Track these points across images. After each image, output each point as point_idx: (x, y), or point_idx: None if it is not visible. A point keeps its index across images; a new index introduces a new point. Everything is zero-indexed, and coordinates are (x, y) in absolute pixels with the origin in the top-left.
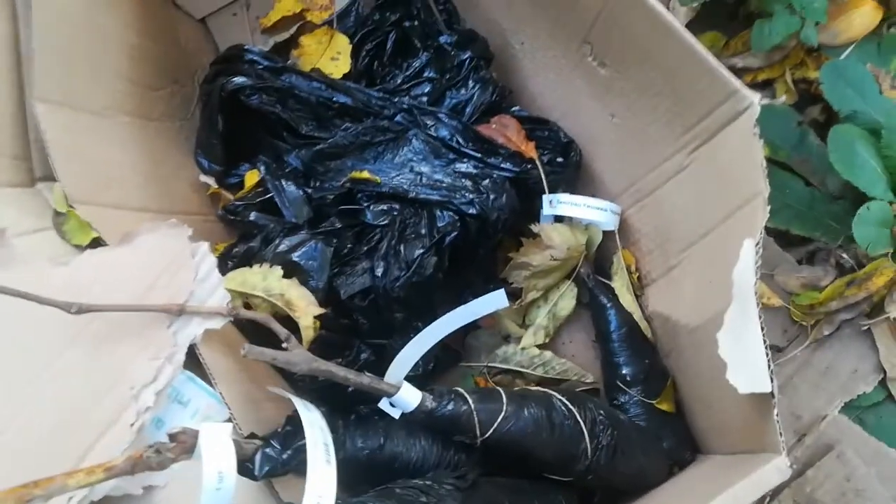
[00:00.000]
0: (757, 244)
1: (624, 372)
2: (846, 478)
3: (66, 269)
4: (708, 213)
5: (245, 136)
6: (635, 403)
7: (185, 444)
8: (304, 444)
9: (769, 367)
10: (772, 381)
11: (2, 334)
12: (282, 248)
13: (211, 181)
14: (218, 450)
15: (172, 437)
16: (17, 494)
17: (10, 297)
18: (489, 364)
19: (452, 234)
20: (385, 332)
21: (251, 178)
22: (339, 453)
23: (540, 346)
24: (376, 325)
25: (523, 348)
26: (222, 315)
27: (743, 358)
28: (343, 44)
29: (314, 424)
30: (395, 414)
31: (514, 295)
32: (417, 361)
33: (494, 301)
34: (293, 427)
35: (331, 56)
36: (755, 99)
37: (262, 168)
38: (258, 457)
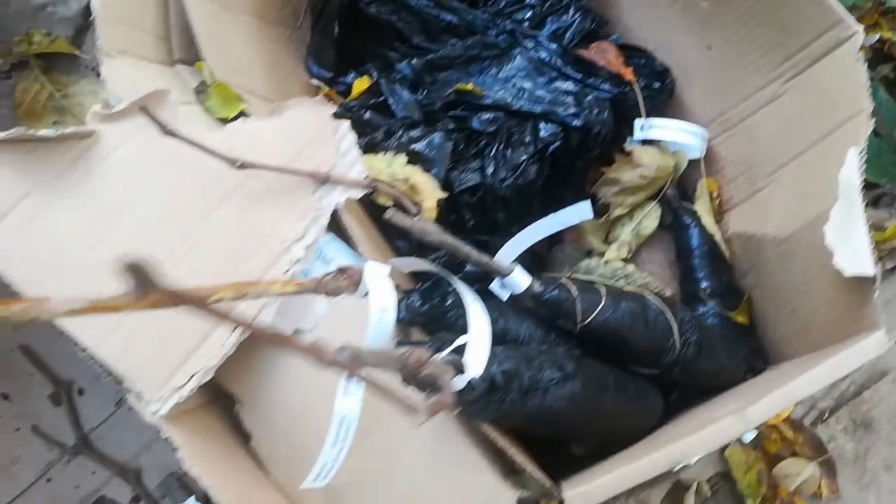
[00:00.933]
0: (861, 151)
1: (703, 286)
2: None
3: (222, 133)
4: (801, 136)
5: (354, 46)
6: (713, 315)
7: (353, 278)
8: (437, 304)
9: (872, 253)
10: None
11: (167, 184)
12: (405, 138)
13: (322, 84)
14: (380, 286)
15: (342, 270)
16: (235, 287)
17: (173, 152)
18: (572, 275)
19: (555, 145)
20: (486, 231)
21: (361, 84)
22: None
23: (622, 262)
24: (480, 223)
25: (606, 261)
26: (362, 186)
27: (849, 246)
28: None
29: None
30: (504, 295)
31: (599, 214)
32: None
33: (581, 211)
34: (431, 286)
35: None
36: (859, 28)
37: (374, 73)
38: (401, 304)
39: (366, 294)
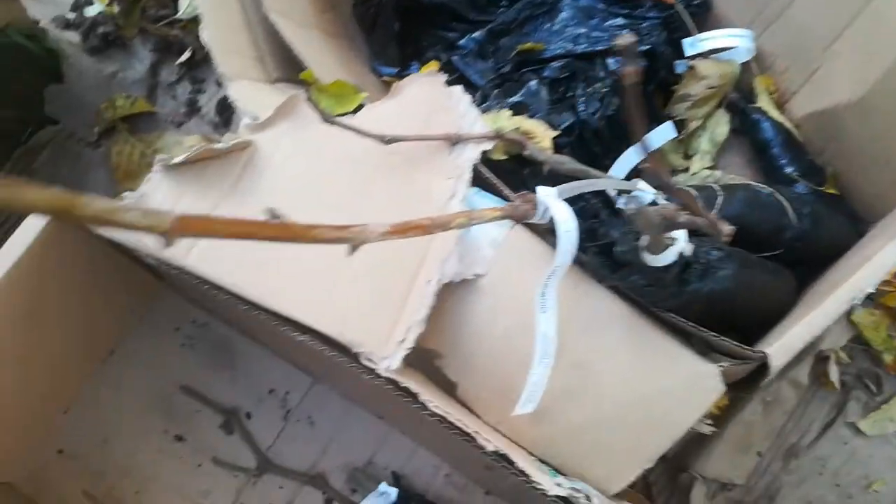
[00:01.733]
0: None
1: (789, 170)
2: None
3: (354, 120)
4: (846, 5)
5: (411, 39)
6: (808, 192)
7: (532, 202)
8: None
9: None
10: None
11: (326, 171)
12: (500, 95)
13: (392, 79)
14: (558, 205)
15: (522, 196)
16: (458, 216)
17: (321, 144)
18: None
19: None
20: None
21: (429, 68)
22: (602, 235)
23: (708, 169)
24: (580, 160)
25: (694, 173)
26: (489, 138)
27: None
28: None
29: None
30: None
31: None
32: None
33: (665, 131)
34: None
35: None
36: None
37: (442, 55)
38: None
39: (543, 215)
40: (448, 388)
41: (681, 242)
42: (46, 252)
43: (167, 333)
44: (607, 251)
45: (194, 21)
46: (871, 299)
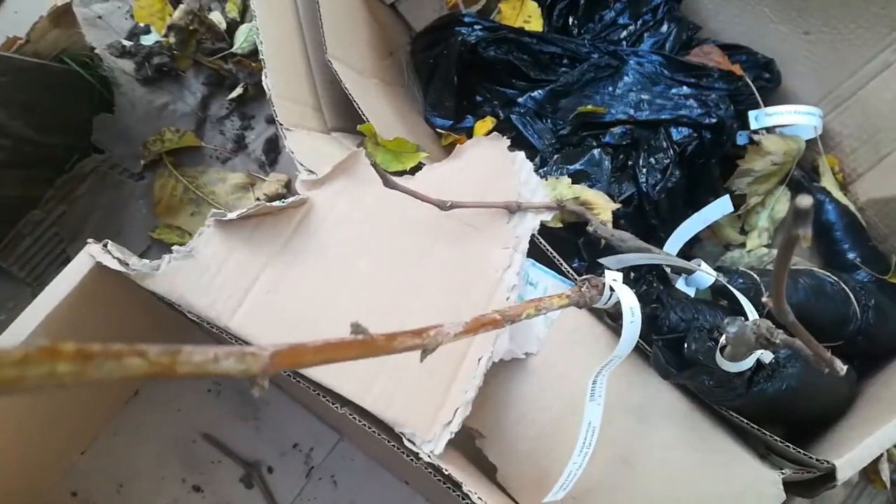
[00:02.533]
0: None
1: (851, 256)
2: None
3: (414, 182)
4: None
5: (468, 92)
6: (870, 280)
7: (598, 287)
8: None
9: None
10: None
11: (382, 236)
12: (561, 161)
13: (446, 132)
14: (623, 289)
15: (588, 280)
16: (528, 305)
17: (380, 206)
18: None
19: (692, 144)
20: (643, 238)
21: (483, 125)
22: (665, 323)
23: (765, 248)
24: (637, 232)
25: (750, 250)
26: (551, 208)
27: None
28: (533, 7)
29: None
30: (692, 292)
31: (735, 207)
32: None
33: (722, 206)
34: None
35: (523, 20)
36: None
37: (500, 112)
38: None
39: (608, 301)
40: (488, 470)
41: (761, 350)
42: (85, 296)
43: (194, 378)
44: (672, 347)
45: (249, 56)
46: None
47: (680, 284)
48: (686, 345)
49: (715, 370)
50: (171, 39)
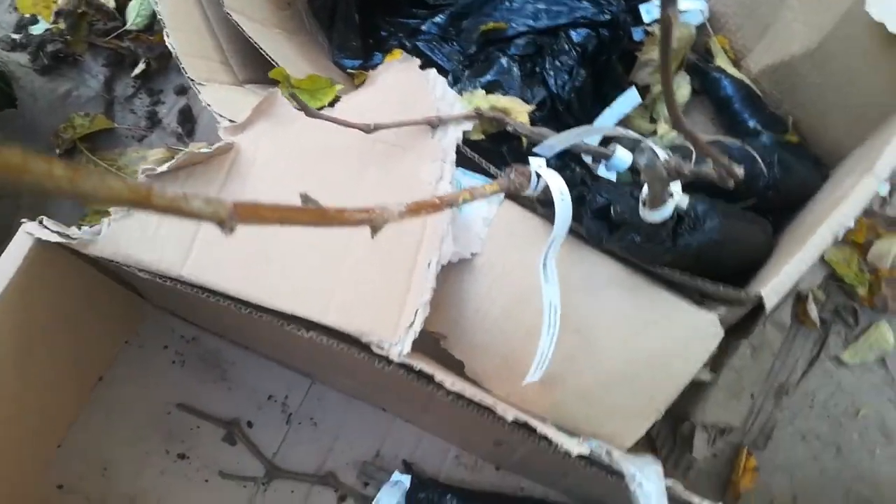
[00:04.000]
0: None
1: (751, 123)
2: None
3: (334, 111)
4: None
5: (371, 29)
6: (772, 142)
7: (525, 174)
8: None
9: None
10: None
11: (312, 168)
12: (472, 76)
13: (357, 71)
14: (550, 173)
15: (515, 169)
16: (427, 207)
17: (302, 141)
18: None
19: (592, 43)
20: None
21: (392, 57)
22: (592, 200)
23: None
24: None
25: (662, 136)
26: (470, 118)
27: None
28: None
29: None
30: (612, 176)
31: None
32: None
33: (630, 99)
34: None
35: None
36: None
37: (406, 42)
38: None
39: (536, 188)
40: (456, 368)
41: (677, 196)
42: (30, 282)
43: (155, 352)
44: (601, 216)
45: (144, 31)
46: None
47: (601, 172)
48: (612, 209)
49: (641, 224)
50: (62, 25)
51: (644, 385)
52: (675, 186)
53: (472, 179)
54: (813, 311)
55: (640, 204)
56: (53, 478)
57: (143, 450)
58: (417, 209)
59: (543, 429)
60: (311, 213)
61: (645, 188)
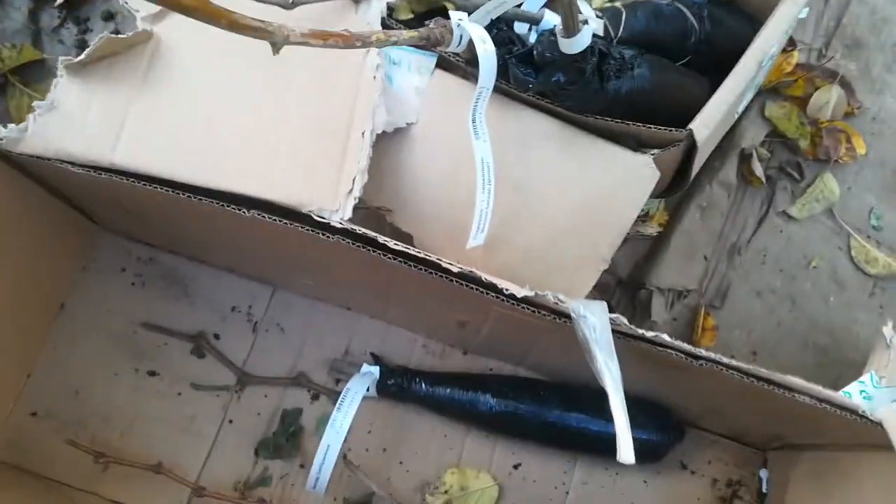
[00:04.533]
0: None
1: None
2: None
3: None
4: None
5: None
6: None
7: (446, 27)
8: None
9: None
10: None
11: (237, 50)
12: None
13: None
14: (471, 25)
15: (436, 21)
16: (334, 37)
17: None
18: None
19: None
20: None
21: None
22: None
23: None
24: None
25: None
26: None
27: None
28: None
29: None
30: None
31: None
32: None
33: None
34: None
35: None
36: None
37: None
38: None
39: (460, 43)
40: (405, 241)
41: (592, 22)
42: None
43: (114, 276)
44: (525, 61)
45: None
46: (778, 93)
47: (533, 37)
48: (535, 51)
49: (562, 62)
50: None
51: (587, 235)
52: (587, 11)
53: (402, 51)
54: (758, 168)
55: (558, 36)
56: (26, 407)
57: (112, 371)
58: (324, 36)
59: (488, 277)
60: (207, 9)
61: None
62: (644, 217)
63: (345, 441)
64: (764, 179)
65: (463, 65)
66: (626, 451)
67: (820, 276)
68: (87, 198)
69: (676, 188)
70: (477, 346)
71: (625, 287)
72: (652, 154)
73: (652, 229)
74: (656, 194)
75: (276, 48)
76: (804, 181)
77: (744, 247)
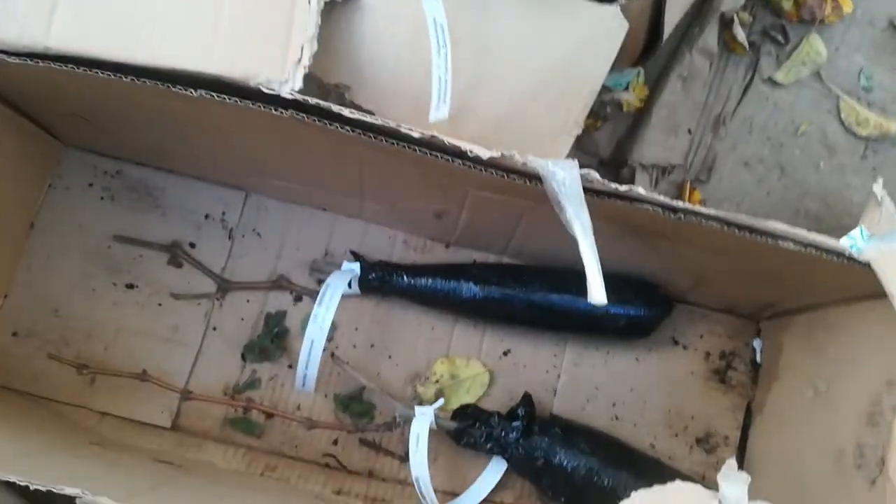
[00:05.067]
0: None
1: None
2: None
3: None
4: None
5: None
6: None
7: None
8: None
9: None
10: None
11: None
12: None
13: None
14: None
15: None
16: None
17: None
18: None
19: None
20: None
21: None
22: None
23: None
24: None
25: None
26: None
27: None
28: None
29: None
30: None
31: None
32: None
33: None
34: None
35: None
36: None
37: None
38: None
39: None
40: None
41: None
42: None
43: (82, 191)
44: None
45: None
46: None
47: None
48: None
49: None
50: None
51: (558, 98)
52: None
53: None
54: (740, 34)
55: None
56: (7, 328)
57: (90, 286)
58: None
59: (452, 140)
60: None
61: None
62: (624, 91)
63: (332, 339)
64: (747, 45)
65: None
66: (597, 291)
67: (809, 142)
68: (39, 104)
69: (651, 52)
70: (458, 237)
71: (607, 167)
72: (619, 3)
73: (629, 103)
74: (632, 62)
75: None
76: (789, 45)
77: (729, 117)
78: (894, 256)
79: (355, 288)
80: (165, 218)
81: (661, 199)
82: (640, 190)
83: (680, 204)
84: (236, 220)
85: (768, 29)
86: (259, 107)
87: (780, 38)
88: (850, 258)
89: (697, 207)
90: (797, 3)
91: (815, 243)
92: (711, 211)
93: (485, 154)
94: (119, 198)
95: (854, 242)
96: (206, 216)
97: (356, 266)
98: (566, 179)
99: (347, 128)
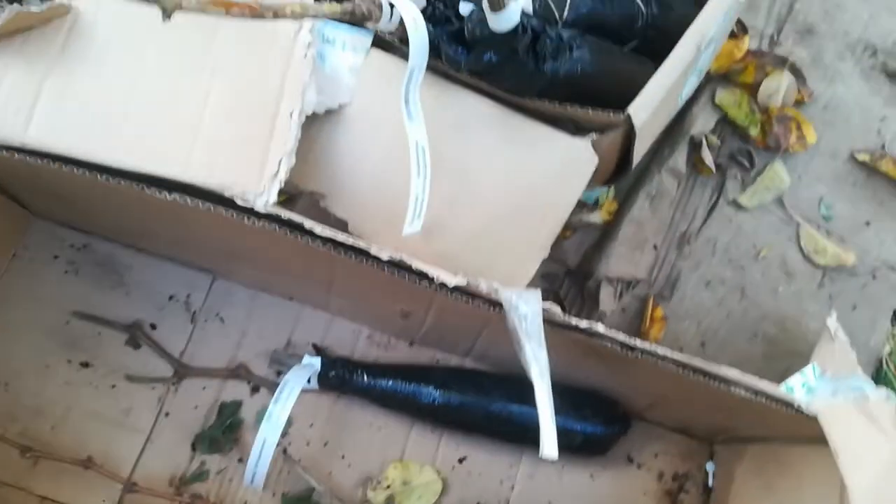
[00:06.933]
0: None
1: None
2: None
3: None
4: None
5: None
6: None
7: (374, 1)
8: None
9: None
10: None
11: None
12: None
13: None
14: (402, 1)
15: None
16: (239, 6)
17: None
18: None
19: None
20: None
21: None
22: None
23: None
24: None
25: None
26: None
27: None
28: None
29: None
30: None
31: None
32: None
33: None
34: None
35: None
36: None
37: None
38: None
39: (391, 19)
40: (341, 228)
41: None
42: None
43: (46, 263)
44: (456, 39)
45: None
46: (728, 79)
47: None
48: (465, 28)
49: (493, 40)
50: None
51: (527, 222)
52: None
53: (336, 29)
54: (708, 157)
55: (486, 13)
56: None
57: (44, 363)
58: (226, 5)
59: (419, 265)
60: None
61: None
62: (594, 206)
63: (286, 434)
64: (714, 168)
65: (397, 44)
66: (549, 445)
67: (769, 267)
68: (12, 181)
69: (621, 174)
70: (422, 336)
71: (573, 277)
72: (591, 138)
73: (598, 217)
74: (602, 182)
75: (166, 13)
76: (754, 170)
77: (693, 236)
78: (841, 411)
79: (314, 383)
80: (129, 297)
81: (621, 337)
82: (600, 328)
83: (638, 343)
84: (201, 303)
85: (735, 153)
86: (232, 214)
87: (746, 162)
88: (798, 409)
89: (654, 347)
90: (764, 130)
91: (766, 392)
92: (668, 352)
93: (451, 281)
94: (83, 272)
95: (805, 381)
96: (171, 297)
97: (317, 361)
98: (528, 315)
99: (319, 242)
